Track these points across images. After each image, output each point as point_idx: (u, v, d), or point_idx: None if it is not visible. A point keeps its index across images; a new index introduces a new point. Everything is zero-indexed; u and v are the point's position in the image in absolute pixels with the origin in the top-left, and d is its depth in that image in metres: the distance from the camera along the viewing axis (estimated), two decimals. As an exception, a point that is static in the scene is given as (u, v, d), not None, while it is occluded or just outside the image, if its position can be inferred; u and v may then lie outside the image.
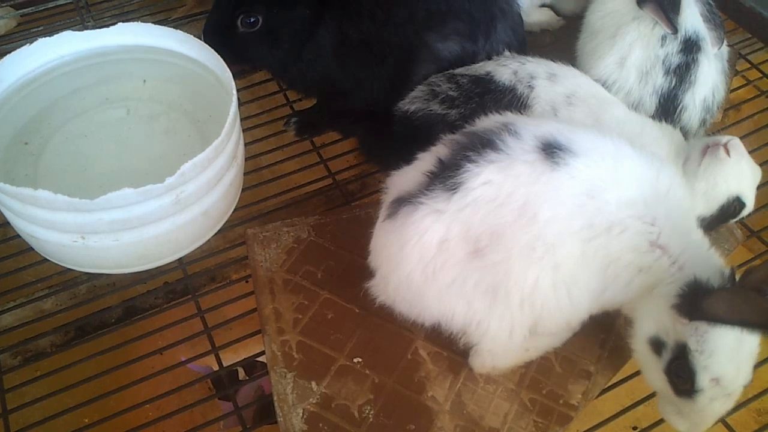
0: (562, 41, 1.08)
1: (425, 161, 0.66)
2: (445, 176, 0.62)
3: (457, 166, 0.62)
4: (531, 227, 0.60)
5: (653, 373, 0.63)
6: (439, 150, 0.65)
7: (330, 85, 0.93)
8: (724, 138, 0.82)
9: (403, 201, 0.63)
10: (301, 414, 0.67)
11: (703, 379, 0.58)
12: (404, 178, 0.67)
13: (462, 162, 0.62)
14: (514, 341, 0.66)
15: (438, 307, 0.65)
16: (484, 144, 0.62)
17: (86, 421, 0.71)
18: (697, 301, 0.57)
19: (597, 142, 0.64)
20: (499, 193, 0.61)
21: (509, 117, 0.69)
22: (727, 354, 0.57)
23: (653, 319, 0.61)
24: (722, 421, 0.74)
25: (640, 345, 0.63)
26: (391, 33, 0.88)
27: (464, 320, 0.65)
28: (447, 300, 0.64)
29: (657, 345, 0.61)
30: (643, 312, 0.63)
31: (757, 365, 0.77)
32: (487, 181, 0.61)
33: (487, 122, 0.68)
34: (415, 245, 0.62)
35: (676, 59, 0.90)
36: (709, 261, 0.62)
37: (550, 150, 0.61)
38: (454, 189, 0.61)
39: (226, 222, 0.84)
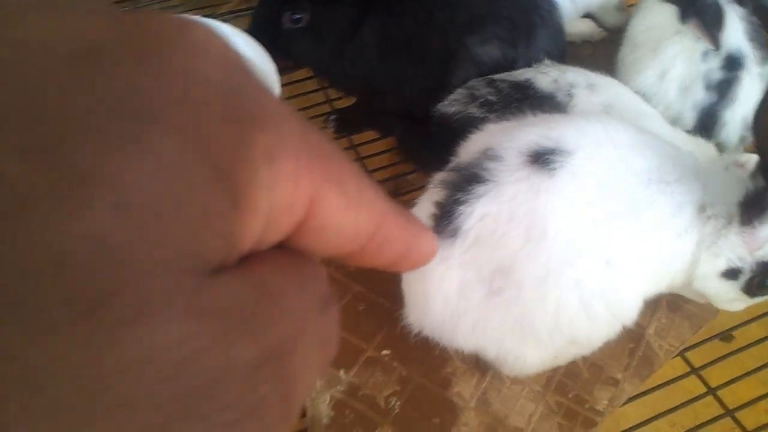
0: (602, 53, 1.08)
1: (425, 204, 0.64)
2: (444, 224, 0.61)
3: (450, 213, 0.60)
4: (540, 250, 0.57)
5: (727, 294, 0.65)
6: (434, 194, 0.64)
7: (370, 84, 0.94)
8: (743, 156, 0.81)
9: None
10: (328, 400, 0.68)
11: None
12: None
13: (454, 207, 0.60)
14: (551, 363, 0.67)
15: (471, 345, 0.65)
16: (469, 180, 0.60)
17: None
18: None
19: (585, 129, 0.62)
20: (498, 224, 0.58)
21: (488, 135, 0.66)
22: None
23: (723, 258, 0.62)
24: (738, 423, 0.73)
25: (711, 282, 0.64)
26: (432, 34, 0.89)
27: (497, 355, 0.65)
28: (476, 340, 0.64)
29: (732, 273, 0.63)
30: (705, 259, 0.63)
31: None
32: (483, 216, 0.59)
33: (467, 153, 0.65)
34: (437, 293, 0.62)
35: (717, 75, 0.90)
36: (735, 176, 0.64)
37: (542, 158, 0.59)
38: (454, 236, 0.60)
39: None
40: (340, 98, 1.07)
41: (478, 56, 0.91)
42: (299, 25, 0.90)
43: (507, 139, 0.62)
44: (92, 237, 0.11)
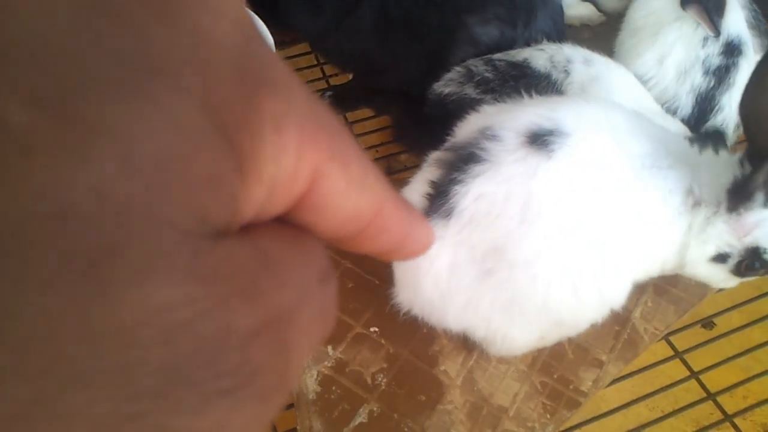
0: (601, 38, 1.07)
1: (419, 184, 0.64)
2: (439, 204, 0.61)
3: (446, 192, 0.60)
4: (534, 230, 0.58)
5: (718, 275, 0.65)
6: (429, 173, 0.63)
7: (367, 60, 0.94)
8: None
9: None
10: (315, 375, 0.69)
11: None
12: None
13: (449, 187, 0.60)
14: (537, 344, 0.67)
15: (461, 325, 0.66)
16: (466, 160, 0.60)
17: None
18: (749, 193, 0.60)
19: (584, 112, 0.62)
20: (493, 204, 0.58)
21: (485, 116, 0.66)
22: None
23: (712, 244, 0.63)
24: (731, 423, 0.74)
25: (701, 267, 0.65)
26: (431, 12, 0.88)
27: (486, 335, 0.65)
28: (466, 319, 0.64)
29: (721, 258, 0.63)
30: (694, 245, 0.63)
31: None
32: (478, 196, 0.59)
33: (465, 131, 0.65)
34: (428, 273, 0.62)
35: (716, 61, 0.89)
36: (724, 162, 0.63)
37: (540, 139, 0.59)
38: (448, 215, 0.60)
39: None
40: (336, 75, 1.06)
41: (477, 36, 0.90)
42: (298, -4, 0.89)
43: (506, 119, 0.62)
44: (96, 190, 0.10)
